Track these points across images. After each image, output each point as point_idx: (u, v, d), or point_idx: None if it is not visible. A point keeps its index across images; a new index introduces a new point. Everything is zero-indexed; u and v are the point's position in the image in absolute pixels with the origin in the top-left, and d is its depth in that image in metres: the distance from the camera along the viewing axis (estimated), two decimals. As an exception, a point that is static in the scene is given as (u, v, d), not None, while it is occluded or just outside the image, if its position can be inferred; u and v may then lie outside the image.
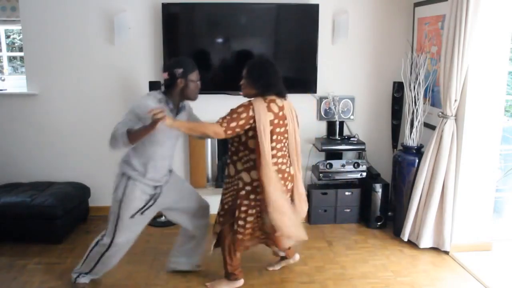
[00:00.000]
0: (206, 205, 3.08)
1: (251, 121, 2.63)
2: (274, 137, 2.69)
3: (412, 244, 3.57)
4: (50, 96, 4.01)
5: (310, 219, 4.02)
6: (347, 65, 4.13)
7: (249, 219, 2.77)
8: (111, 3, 3.89)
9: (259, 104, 2.65)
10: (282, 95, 2.76)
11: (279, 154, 2.73)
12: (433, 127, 3.51)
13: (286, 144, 2.79)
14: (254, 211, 2.77)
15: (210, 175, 4.24)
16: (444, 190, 3.36)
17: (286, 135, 2.77)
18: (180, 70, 2.64)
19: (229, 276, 2.94)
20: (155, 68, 3.99)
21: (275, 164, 2.72)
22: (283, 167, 2.77)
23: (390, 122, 4.11)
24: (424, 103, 3.63)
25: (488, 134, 3.32)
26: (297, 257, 3.22)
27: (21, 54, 4.34)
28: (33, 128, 4.05)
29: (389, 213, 3.94)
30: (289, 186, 2.83)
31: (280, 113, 2.71)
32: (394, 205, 3.84)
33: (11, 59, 4.75)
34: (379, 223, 3.92)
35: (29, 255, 3.37)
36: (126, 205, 2.71)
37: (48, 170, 4.10)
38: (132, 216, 2.73)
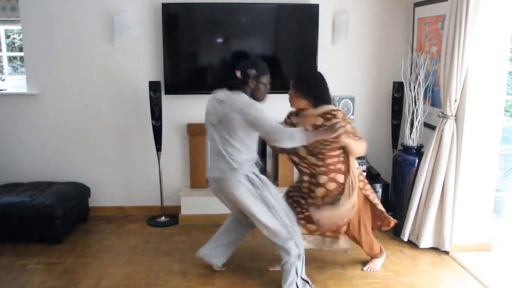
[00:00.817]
0: None
1: None
2: None
3: (412, 244, 3.57)
4: (50, 96, 4.00)
5: (310, 219, 4.02)
6: (347, 65, 4.13)
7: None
8: (111, 3, 3.88)
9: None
10: (329, 104, 2.84)
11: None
12: (433, 127, 3.51)
13: None
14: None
15: (210, 175, 4.24)
16: (444, 190, 3.36)
17: None
18: (253, 71, 2.71)
19: (376, 255, 3.18)
20: (155, 68, 3.99)
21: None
22: None
23: (390, 122, 4.10)
24: (424, 103, 3.63)
25: (488, 134, 3.31)
26: None
27: (21, 54, 4.34)
28: (33, 128, 4.05)
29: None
30: None
31: None
32: (394, 205, 3.83)
33: (11, 59, 4.75)
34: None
35: (29, 255, 3.37)
36: (268, 193, 2.74)
37: (48, 170, 4.10)
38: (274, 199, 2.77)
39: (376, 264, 3.20)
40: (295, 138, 2.57)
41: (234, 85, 2.74)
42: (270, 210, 2.74)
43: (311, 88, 2.79)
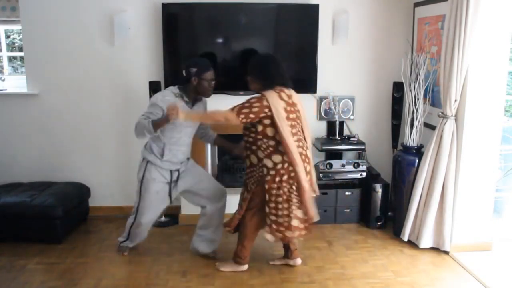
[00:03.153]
0: (222, 189, 3.29)
1: (266, 110, 2.79)
2: (289, 122, 2.85)
3: (412, 244, 3.57)
4: (50, 96, 4.00)
5: (310, 219, 4.02)
6: (347, 65, 4.13)
7: (279, 200, 2.90)
8: (111, 3, 3.89)
9: (271, 94, 2.84)
10: (286, 86, 2.94)
11: (295, 138, 2.89)
12: (433, 127, 3.51)
13: (300, 129, 2.96)
14: (281, 192, 2.89)
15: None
16: (444, 190, 3.36)
17: (299, 121, 2.94)
18: (194, 69, 2.94)
19: (236, 259, 3.11)
20: (155, 68, 3.99)
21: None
22: (300, 150, 2.90)
23: (390, 122, 4.11)
24: (424, 103, 3.63)
25: (488, 134, 3.31)
26: (298, 261, 3.23)
27: (21, 54, 4.34)
28: (33, 128, 4.05)
29: (389, 213, 3.94)
30: (308, 168, 2.96)
31: (290, 101, 2.90)
32: (394, 205, 3.83)
33: (11, 59, 4.75)
34: (379, 223, 3.92)
35: (29, 255, 3.37)
36: (145, 185, 3.08)
37: (48, 170, 4.10)
38: (153, 195, 3.09)
39: (225, 265, 3.16)
40: (143, 129, 2.88)
41: (181, 82, 2.98)
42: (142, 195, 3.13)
43: (261, 72, 2.92)
